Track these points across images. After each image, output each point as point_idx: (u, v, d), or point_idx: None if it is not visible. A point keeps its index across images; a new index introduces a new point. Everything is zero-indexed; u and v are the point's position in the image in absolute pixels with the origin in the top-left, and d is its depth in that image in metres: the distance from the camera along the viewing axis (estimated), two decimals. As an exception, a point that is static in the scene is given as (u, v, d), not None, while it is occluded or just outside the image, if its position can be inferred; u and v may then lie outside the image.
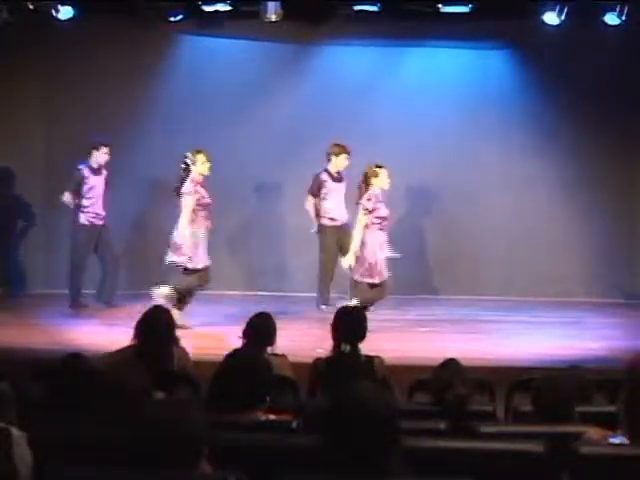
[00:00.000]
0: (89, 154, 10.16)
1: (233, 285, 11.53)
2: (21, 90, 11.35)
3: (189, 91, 11.39)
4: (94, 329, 8.95)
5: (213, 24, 11.18)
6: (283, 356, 5.95)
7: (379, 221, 9.10)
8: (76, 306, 10.08)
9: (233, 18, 10.98)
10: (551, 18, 10.33)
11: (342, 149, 9.86)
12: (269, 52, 11.41)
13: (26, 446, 3.54)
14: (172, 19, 10.97)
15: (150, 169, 11.25)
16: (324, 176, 9.91)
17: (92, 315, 9.83)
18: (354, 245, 9.01)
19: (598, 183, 11.35)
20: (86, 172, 10.13)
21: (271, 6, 10.22)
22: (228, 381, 4.27)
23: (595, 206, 11.38)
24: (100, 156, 10.15)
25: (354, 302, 8.63)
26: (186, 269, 8.90)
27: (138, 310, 5.83)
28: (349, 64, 11.48)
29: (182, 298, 8.88)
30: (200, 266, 8.88)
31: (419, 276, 10.64)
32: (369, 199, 9.04)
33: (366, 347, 5.66)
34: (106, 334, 8.20)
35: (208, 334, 8.55)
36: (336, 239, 9.93)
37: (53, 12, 10.26)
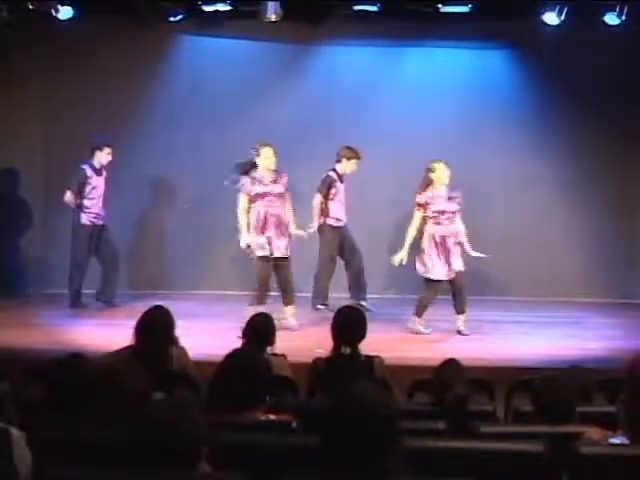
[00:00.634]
0: (92, 154, 10.16)
1: (233, 285, 11.53)
2: (21, 90, 11.35)
3: (189, 91, 11.39)
4: (94, 329, 8.94)
5: (213, 24, 11.17)
6: (283, 356, 5.95)
7: (435, 215, 9.08)
8: (76, 306, 10.07)
9: (233, 18, 10.98)
10: (551, 18, 10.32)
11: (354, 154, 9.85)
12: (269, 52, 11.41)
13: (26, 446, 3.53)
14: (172, 19, 10.96)
15: (150, 169, 11.25)
16: (334, 176, 9.91)
17: (92, 315, 9.84)
18: (407, 242, 9.03)
19: (598, 183, 11.35)
20: (89, 172, 10.13)
21: (271, 6, 10.21)
22: (228, 381, 4.28)
23: (595, 206, 11.38)
24: (103, 157, 10.15)
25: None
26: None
27: (138, 310, 5.82)
28: (349, 64, 11.47)
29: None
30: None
31: (419, 276, 10.60)
32: (419, 193, 9.10)
33: (366, 347, 5.66)
34: (106, 334, 8.19)
35: (208, 334, 8.55)
36: (338, 239, 9.94)
37: (53, 12, 10.25)
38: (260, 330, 5.87)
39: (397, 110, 11.29)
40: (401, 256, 9.23)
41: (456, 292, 9.13)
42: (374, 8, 10.60)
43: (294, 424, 4.13)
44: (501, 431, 4.40)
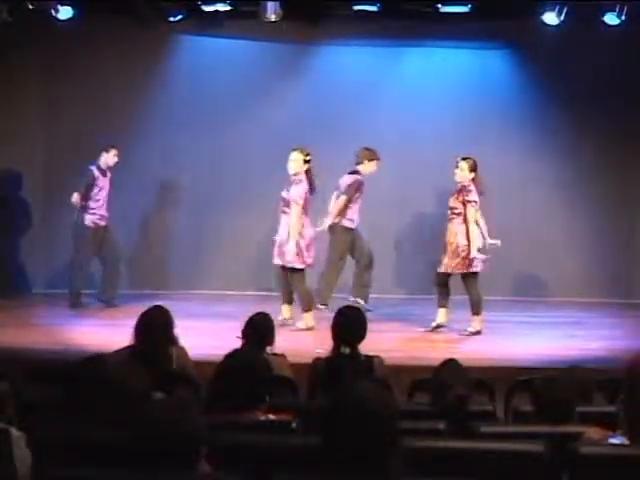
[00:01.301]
0: (99, 155, 10.16)
1: (234, 285, 11.54)
2: (21, 90, 11.35)
3: (189, 91, 11.39)
4: (94, 329, 8.94)
5: (213, 24, 11.18)
6: (282, 356, 5.95)
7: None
8: (76, 306, 10.07)
9: (233, 18, 10.98)
10: (551, 18, 10.32)
11: (375, 155, 9.79)
12: (269, 52, 11.41)
13: (25, 447, 3.53)
14: (172, 19, 10.97)
15: (150, 169, 11.25)
16: (362, 180, 9.85)
17: (92, 315, 9.83)
18: (474, 239, 8.93)
19: (597, 183, 11.35)
20: (96, 173, 10.14)
21: (270, 6, 10.21)
22: (228, 381, 4.28)
23: (594, 206, 11.39)
24: (110, 158, 10.16)
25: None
26: None
27: (138, 310, 5.82)
28: (349, 64, 11.48)
29: None
30: None
31: (419, 276, 10.63)
32: (474, 192, 9.00)
33: (366, 347, 5.66)
34: (106, 334, 8.19)
35: (208, 334, 8.54)
36: (349, 241, 9.91)
37: (53, 12, 10.25)
38: (260, 330, 5.86)
39: (397, 110, 11.29)
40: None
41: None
42: (374, 8, 10.60)
43: (294, 424, 4.13)
44: (501, 431, 4.40)
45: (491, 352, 8.32)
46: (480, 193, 9.02)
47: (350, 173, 9.78)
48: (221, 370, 4.37)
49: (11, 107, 11.39)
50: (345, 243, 9.82)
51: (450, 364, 5.01)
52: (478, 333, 8.97)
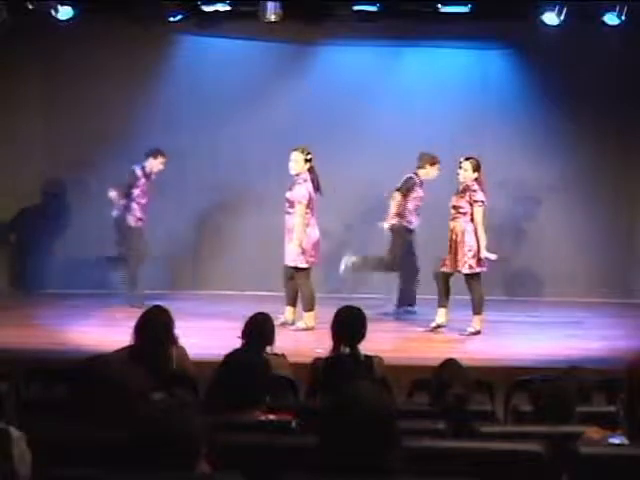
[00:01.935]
0: (145, 159, 10.18)
1: (234, 285, 11.54)
2: (21, 90, 11.34)
3: (188, 91, 11.38)
4: (94, 329, 8.94)
5: (213, 24, 11.17)
6: (282, 356, 5.95)
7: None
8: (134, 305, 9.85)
9: (232, 18, 10.98)
10: (551, 18, 10.31)
11: (435, 159, 9.83)
12: (268, 52, 11.41)
13: (25, 446, 3.53)
14: (171, 19, 10.96)
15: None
16: (417, 180, 9.87)
17: (92, 315, 9.82)
18: (483, 239, 8.96)
19: (598, 183, 11.35)
20: (139, 175, 10.14)
21: (270, 6, 10.21)
22: (227, 381, 4.28)
23: (595, 206, 11.39)
24: (155, 165, 10.17)
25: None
26: None
27: (138, 310, 5.82)
28: (348, 64, 11.47)
29: None
30: None
31: (420, 275, 10.61)
32: (479, 191, 9.02)
33: (366, 347, 5.66)
34: (106, 334, 8.20)
35: (208, 334, 8.55)
36: (408, 242, 9.95)
37: (52, 12, 10.24)
38: (260, 330, 5.87)
39: (396, 110, 11.29)
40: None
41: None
42: (374, 8, 10.60)
43: (294, 424, 4.13)
44: (501, 431, 4.40)
45: (491, 352, 8.32)
46: (483, 193, 9.04)
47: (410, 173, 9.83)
48: (221, 370, 4.37)
49: (11, 106, 11.38)
50: (404, 244, 9.85)
51: (450, 364, 5.01)
52: (478, 333, 8.98)
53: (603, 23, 10.28)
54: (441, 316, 9.11)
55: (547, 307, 10.61)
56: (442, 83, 11.34)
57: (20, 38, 10.79)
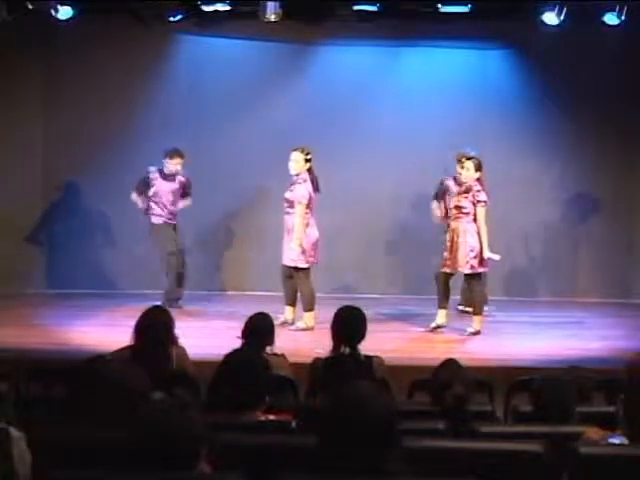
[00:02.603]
0: (163, 159, 10.21)
1: (233, 284, 11.54)
2: (21, 90, 11.34)
3: (188, 91, 11.39)
4: (94, 329, 8.94)
5: (212, 24, 11.18)
6: (282, 356, 5.95)
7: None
8: (171, 306, 9.49)
9: (232, 18, 10.98)
10: (550, 18, 10.31)
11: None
12: (268, 52, 11.41)
13: (25, 446, 3.53)
14: (171, 19, 10.96)
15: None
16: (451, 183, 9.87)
17: (92, 315, 9.82)
18: (485, 239, 8.95)
19: (598, 183, 11.35)
20: (153, 175, 10.14)
21: (270, 6, 10.20)
22: (227, 381, 4.28)
23: (594, 206, 11.39)
24: (170, 165, 10.17)
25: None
26: None
27: (138, 310, 5.83)
28: (348, 64, 11.47)
29: None
30: None
31: (419, 276, 10.62)
32: (482, 191, 9.00)
33: (366, 347, 5.66)
34: (106, 334, 8.20)
35: (208, 334, 8.55)
36: None
37: (52, 12, 10.24)
38: (259, 330, 5.87)
39: (397, 110, 11.29)
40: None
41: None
42: (374, 8, 10.60)
43: (294, 424, 4.13)
44: (501, 431, 4.40)
45: (491, 352, 8.32)
46: (485, 192, 9.06)
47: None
48: (221, 370, 4.37)
49: (11, 106, 11.39)
50: None
51: (450, 364, 5.01)
52: (478, 333, 8.97)
53: (603, 23, 10.28)
54: (441, 317, 9.10)
55: (547, 307, 10.61)
56: (442, 83, 11.34)
57: (20, 38, 10.79)
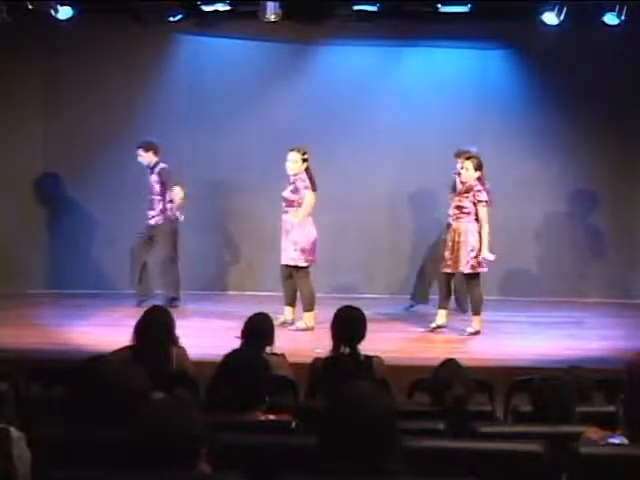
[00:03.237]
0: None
1: (233, 285, 11.55)
2: (21, 90, 11.34)
3: (188, 91, 11.39)
4: (94, 329, 8.94)
5: (212, 24, 11.18)
6: (282, 356, 5.95)
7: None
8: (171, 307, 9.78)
9: (232, 18, 10.98)
10: (550, 18, 10.31)
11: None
12: (268, 52, 11.41)
13: (25, 446, 3.54)
14: (172, 19, 10.97)
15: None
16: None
17: (92, 315, 9.82)
18: (486, 239, 8.93)
19: (598, 183, 11.35)
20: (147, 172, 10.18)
21: (270, 6, 10.21)
22: (227, 381, 4.28)
23: (595, 206, 11.39)
24: (138, 157, 10.17)
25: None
26: None
27: (138, 310, 5.83)
28: (348, 64, 11.47)
29: None
30: None
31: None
32: (483, 191, 9.00)
33: (366, 347, 5.66)
34: (106, 334, 8.20)
35: (208, 334, 8.55)
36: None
37: (52, 12, 10.24)
38: (259, 330, 5.87)
39: (396, 110, 11.28)
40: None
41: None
42: (374, 8, 10.60)
43: (294, 424, 4.13)
44: (501, 431, 4.40)
45: (491, 352, 8.32)
46: (486, 192, 9.06)
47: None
48: (221, 370, 4.37)
49: (11, 106, 11.39)
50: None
51: (450, 364, 5.01)
52: (477, 333, 8.98)
53: (603, 23, 10.28)
54: (441, 317, 9.10)
55: (547, 307, 10.61)
56: (442, 83, 11.33)
57: (20, 38, 10.79)
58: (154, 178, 10.13)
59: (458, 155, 9.61)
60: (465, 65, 11.46)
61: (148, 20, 10.92)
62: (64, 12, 10.31)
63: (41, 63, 11.35)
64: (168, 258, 10.19)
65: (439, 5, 10.46)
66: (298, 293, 9.28)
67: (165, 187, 10.07)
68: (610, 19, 10.21)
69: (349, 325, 5.68)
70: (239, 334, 5.83)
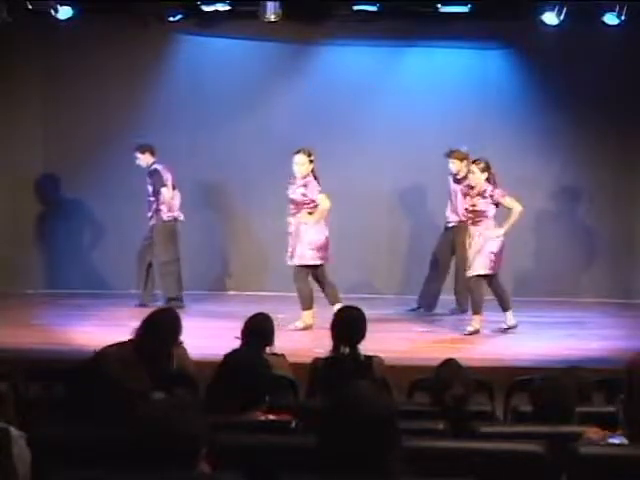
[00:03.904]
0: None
1: (232, 284, 11.55)
2: (21, 90, 11.35)
3: (188, 91, 11.38)
4: (94, 329, 8.93)
5: (212, 24, 11.18)
6: (282, 356, 5.95)
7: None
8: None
9: (232, 18, 10.98)
10: (550, 18, 10.31)
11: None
12: (268, 52, 11.40)
13: (25, 446, 3.53)
14: (171, 19, 10.97)
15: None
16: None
17: (92, 315, 9.83)
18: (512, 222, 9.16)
19: (598, 183, 11.35)
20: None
21: (270, 6, 10.21)
22: (227, 381, 4.28)
23: (595, 206, 11.39)
24: (136, 161, 10.20)
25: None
26: None
27: (138, 310, 5.83)
28: (348, 64, 11.47)
29: None
30: None
31: (419, 276, 10.61)
32: (495, 189, 9.12)
33: (366, 347, 5.66)
34: (106, 334, 8.19)
35: (208, 334, 8.55)
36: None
37: (52, 12, 10.25)
38: (259, 330, 5.87)
39: (396, 110, 11.28)
40: None
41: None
42: (374, 8, 10.60)
43: (294, 424, 4.13)
44: (501, 431, 4.40)
45: (491, 352, 8.32)
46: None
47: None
48: (221, 370, 4.37)
49: (11, 106, 11.39)
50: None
51: (450, 364, 5.01)
52: (477, 332, 8.99)
53: (603, 23, 10.28)
54: (476, 322, 9.12)
55: (547, 307, 10.61)
56: (442, 83, 11.33)
57: (20, 38, 10.80)
58: (148, 180, 10.16)
59: (449, 155, 9.73)
60: (465, 65, 11.46)
61: (148, 20, 10.93)
62: (64, 12, 10.31)
63: (41, 63, 11.35)
64: (167, 259, 10.19)
65: (439, 5, 10.46)
66: (296, 293, 9.30)
67: (154, 188, 10.09)
68: (610, 19, 10.22)
69: (349, 325, 5.68)
70: (239, 334, 5.83)
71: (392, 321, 9.70)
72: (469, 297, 9.40)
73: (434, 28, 11.04)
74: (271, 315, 6.11)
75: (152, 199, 10.10)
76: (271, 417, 4.20)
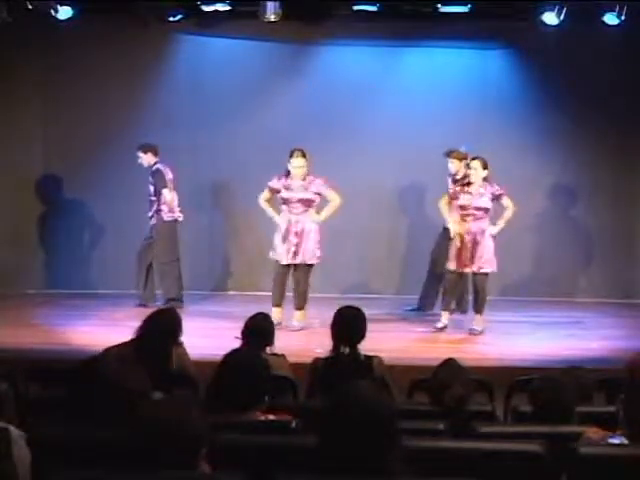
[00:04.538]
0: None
1: (231, 285, 11.54)
2: (21, 90, 11.35)
3: (188, 91, 11.38)
4: (94, 329, 8.94)
5: (212, 24, 11.18)
6: (282, 356, 5.96)
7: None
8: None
9: (232, 18, 10.98)
10: (550, 18, 10.31)
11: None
12: (268, 52, 11.40)
13: (25, 446, 3.53)
14: (171, 19, 10.97)
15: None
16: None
17: (92, 315, 9.83)
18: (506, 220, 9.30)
19: (598, 183, 11.35)
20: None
21: (270, 6, 10.21)
22: (227, 381, 4.27)
23: (595, 205, 11.39)
24: (139, 160, 10.19)
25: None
26: None
27: (138, 311, 5.84)
28: (348, 64, 11.47)
29: None
30: None
31: (419, 276, 10.61)
32: (494, 185, 9.24)
33: (366, 347, 5.66)
34: (106, 334, 8.19)
35: (208, 334, 8.55)
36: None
37: (52, 12, 10.24)
38: (259, 330, 5.87)
39: (397, 110, 11.28)
40: None
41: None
42: (374, 8, 10.60)
43: (294, 424, 4.13)
44: (501, 431, 4.40)
45: (491, 352, 8.32)
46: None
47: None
48: (221, 370, 4.37)
49: (11, 106, 11.39)
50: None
51: (450, 364, 5.01)
52: (479, 332, 9.00)
53: (603, 23, 10.28)
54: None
55: (547, 307, 10.61)
56: (442, 83, 11.33)
57: (20, 38, 10.79)
58: (150, 179, 10.15)
59: (448, 155, 9.73)
60: (465, 65, 11.45)
61: (148, 20, 10.92)
62: (64, 12, 10.31)
63: (41, 63, 11.35)
64: (167, 259, 10.19)
65: (439, 5, 10.46)
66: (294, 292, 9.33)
67: (156, 188, 10.09)
68: (610, 19, 10.21)
69: (349, 325, 5.69)
70: (239, 334, 5.83)
71: (392, 321, 9.70)
72: (469, 297, 9.40)
73: (434, 28, 11.04)
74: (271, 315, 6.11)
75: (153, 199, 10.10)
76: (271, 417, 4.19)
